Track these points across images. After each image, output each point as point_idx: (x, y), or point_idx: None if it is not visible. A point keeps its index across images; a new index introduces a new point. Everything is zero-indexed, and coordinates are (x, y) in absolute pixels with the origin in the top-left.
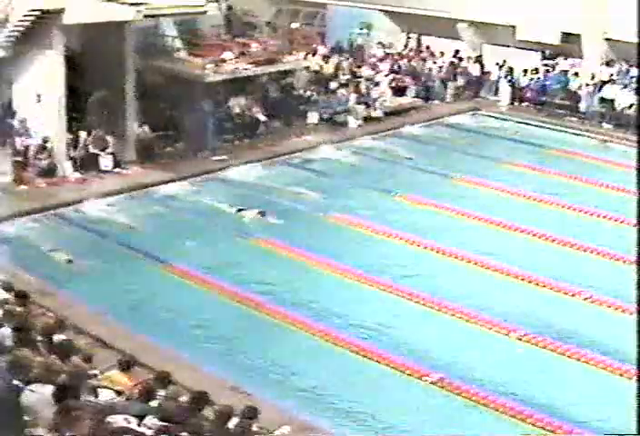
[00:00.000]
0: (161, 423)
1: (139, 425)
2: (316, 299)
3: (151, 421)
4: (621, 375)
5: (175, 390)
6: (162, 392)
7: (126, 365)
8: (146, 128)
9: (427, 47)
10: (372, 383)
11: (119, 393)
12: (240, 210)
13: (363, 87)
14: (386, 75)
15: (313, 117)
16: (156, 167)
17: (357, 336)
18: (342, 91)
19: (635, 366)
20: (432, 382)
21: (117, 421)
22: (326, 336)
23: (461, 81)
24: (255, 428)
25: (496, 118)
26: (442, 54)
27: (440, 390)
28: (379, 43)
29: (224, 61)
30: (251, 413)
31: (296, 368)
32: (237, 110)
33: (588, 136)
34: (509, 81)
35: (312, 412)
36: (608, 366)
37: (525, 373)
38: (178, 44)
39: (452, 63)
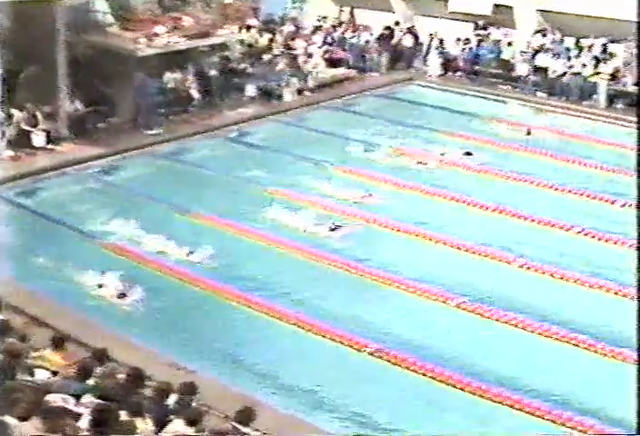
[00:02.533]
0: (99, 401)
1: (77, 404)
2: (253, 271)
3: (88, 399)
4: (557, 339)
5: (113, 367)
6: (99, 370)
7: (59, 343)
8: (78, 104)
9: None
10: (310, 356)
11: (55, 373)
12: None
13: (297, 60)
14: (320, 47)
15: (249, 90)
16: (89, 143)
17: (295, 308)
18: (276, 64)
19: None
20: (370, 353)
21: (54, 400)
22: (261, 308)
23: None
24: (194, 404)
25: (430, 88)
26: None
27: (378, 360)
28: (323, 17)
29: (156, 35)
30: (190, 389)
31: (235, 342)
32: (171, 84)
33: (522, 105)
34: (439, 52)
35: (252, 387)
36: (551, 333)
37: (464, 341)
38: (110, 19)
39: (384, 34)
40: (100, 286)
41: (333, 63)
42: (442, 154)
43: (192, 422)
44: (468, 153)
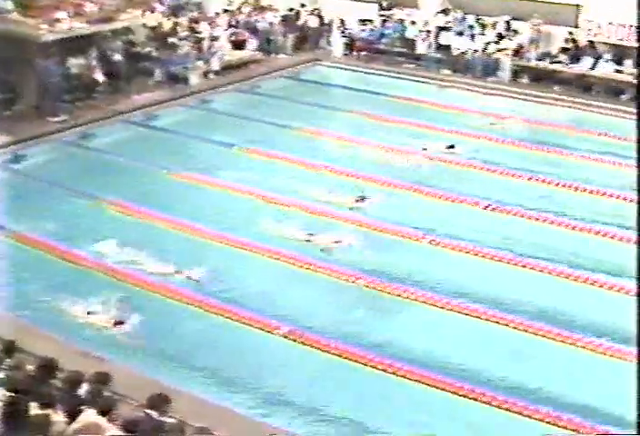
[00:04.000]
0: (9, 394)
1: None
2: (161, 253)
3: None
4: (479, 318)
5: (22, 358)
6: (8, 362)
7: None
8: None
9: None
10: (225, 339)
11: None
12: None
13: (202, 43)
14: (225, 30)
15: (154, 74)
16: None
17: (202, 291)
18: (181, 47)
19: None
20: (284, 335)
21: None
22: (171, 293)
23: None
24: (107, 393)
25: (336, 68)
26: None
27: (292, 342)
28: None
29: (58, 21)
30: (102, 379)
31: (150, 329)
32: (76, 70)
33: (426, 82)
34: (342, 32)
35: (167, 374)
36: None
37: (374, 320)
38: (9, 5)
39: (289, 16)
40: None
41: (238, 45)
42: (345, 132)
43: (104, 412)
44: (451, 147)
